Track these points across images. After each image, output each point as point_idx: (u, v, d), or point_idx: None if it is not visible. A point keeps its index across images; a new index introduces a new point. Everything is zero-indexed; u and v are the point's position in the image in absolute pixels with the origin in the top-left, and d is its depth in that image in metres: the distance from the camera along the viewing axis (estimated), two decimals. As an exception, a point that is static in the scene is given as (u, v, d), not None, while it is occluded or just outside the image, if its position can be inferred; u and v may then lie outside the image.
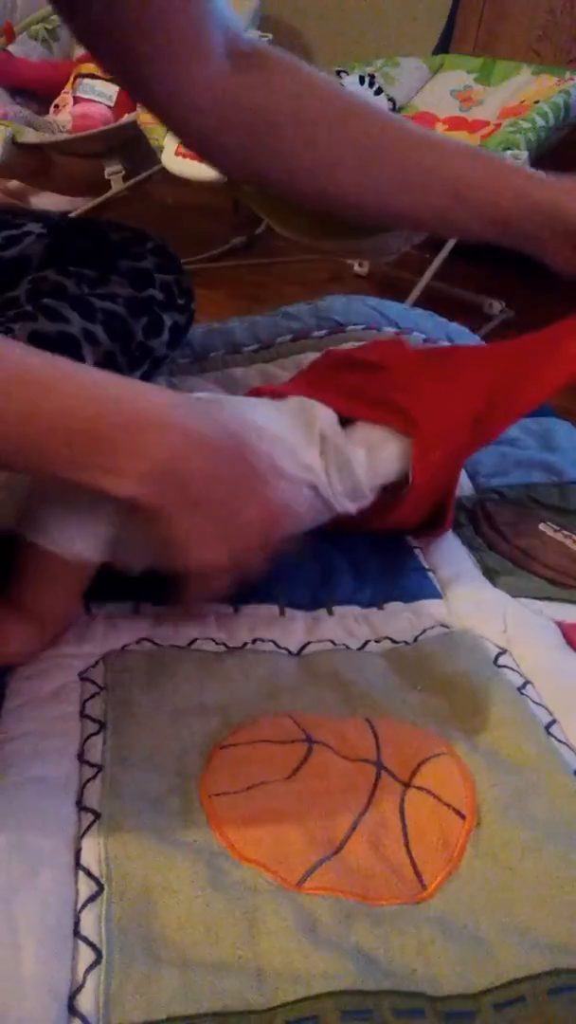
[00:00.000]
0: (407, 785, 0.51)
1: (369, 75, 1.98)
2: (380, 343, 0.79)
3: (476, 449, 0.76)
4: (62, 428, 0.48)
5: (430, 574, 0.71)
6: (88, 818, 0.48)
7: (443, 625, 0.65)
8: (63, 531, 0.56)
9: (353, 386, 0.69)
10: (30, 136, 1.95)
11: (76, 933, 0.43)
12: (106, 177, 2.01)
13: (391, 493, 0.68)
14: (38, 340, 0.70)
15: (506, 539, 0.75)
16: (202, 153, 0.75)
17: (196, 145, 0.74)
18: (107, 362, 0.74)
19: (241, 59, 0.69)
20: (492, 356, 0.74)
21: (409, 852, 0.48)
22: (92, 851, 0.46)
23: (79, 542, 0.57)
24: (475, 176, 0.69)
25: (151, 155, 1.58)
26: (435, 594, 0.68)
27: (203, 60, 0.67)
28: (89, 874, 0.45)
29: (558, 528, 0.77)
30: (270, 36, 2.07)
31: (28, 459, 0.50)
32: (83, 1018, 0.39)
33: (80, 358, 0.72)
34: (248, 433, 0.58)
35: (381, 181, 0.70)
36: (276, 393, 0.70)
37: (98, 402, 0.50)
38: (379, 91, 1.99)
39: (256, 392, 0.74)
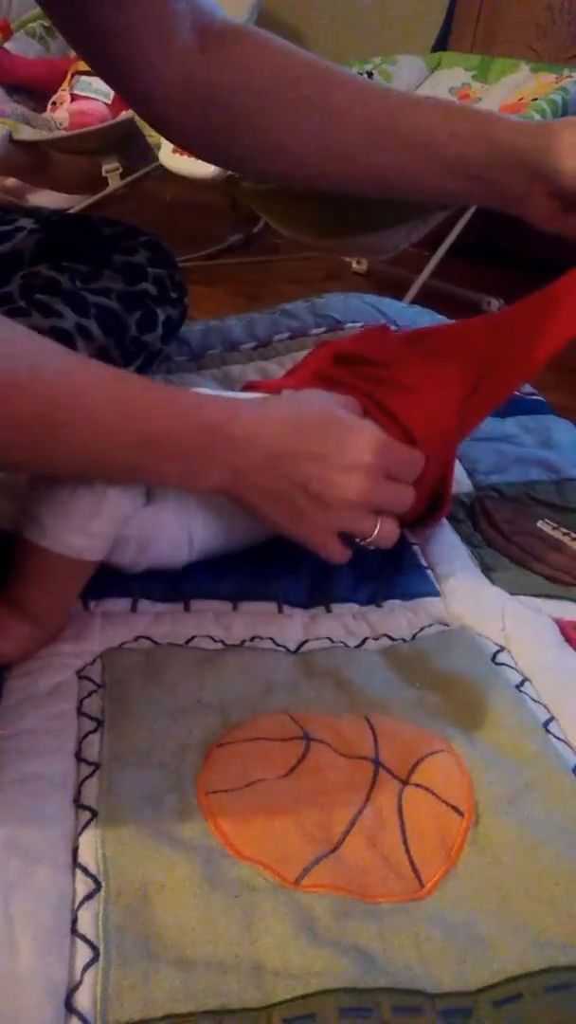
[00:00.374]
0: (405, 782, 0.51)
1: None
2: (367, 334, 0.79)
3: (474, 425, 0.76)
4: (171, 446, 0.53)
5: (428, 572, 0.71)
6: (85, 816, 0.48)
7: (441, 623, 0.65)
8: (64, 530, 0.56)
9: (342, 382, 0.68)
10: (27, 133, 1.95)
11: (73, 931, 0.43)
12: (103, 174, 2.01)
13: None
14: None
15: (504, 536, 0.75)
16: (168, 134, 0.74)
17: (162, 126, 0.73)
18: (101, 356, 0.74)
19: (211, 38, 0.69)
20: (481, 328, 0.73)
21: (407, 849, 0.48)
22: (89, 849, 0.46)
23: (79, 541, 0.57)
24: (445, 130, 0.67)
25: (149, 152, 1.58)
26: (433, 592, 0.68)
27: (168, 38, 0.67)
28: (86, 872, 0.45)
29: (556, 526, 0.77)
30: (268, 33, 2.07)
31: (136, 476, 0.56)
32: (81, 1016, 0.39)
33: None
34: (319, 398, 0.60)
35: (343, 144, 0.69)
36: (271, 388, 0.70)
37: (195, 417, 0.54)
38: (377, 89, 1.99)
39: (251, 387, 0.74)
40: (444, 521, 0.77)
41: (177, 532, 0.62)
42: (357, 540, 0.62)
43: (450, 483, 0.72)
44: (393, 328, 1.04)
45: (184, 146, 0.77)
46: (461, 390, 0.70)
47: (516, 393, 0.99)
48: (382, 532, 0.61)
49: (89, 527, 0.57)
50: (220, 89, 0.68)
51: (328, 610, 0.66)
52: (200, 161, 1.44)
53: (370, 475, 0.58)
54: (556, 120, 0.66)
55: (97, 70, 0.71)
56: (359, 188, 0.73)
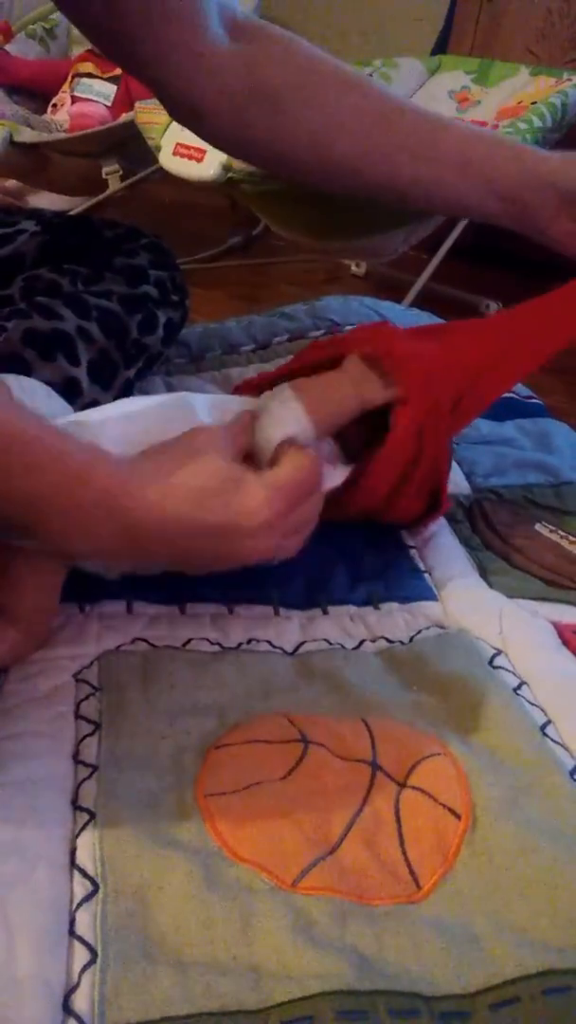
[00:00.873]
0: (402, 785, 0.51)
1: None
2: (366, 327, 0.79)
3: (467, 421, 0.75)
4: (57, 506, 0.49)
5: (426, 575, 0.71)
6: (83, 818, 0.48)
7: (439, 625, 0.65)
8: None
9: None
10: (27, 135, 1.95)
11: (71, 933, 0.43)
12: (103, 176, 2.02)
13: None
14: (32, 338, 0.70)
15: (502, 539, 0.76)
16: (198, 128, 0.74)
17: (199, 124, 0.73)
18: (102, 359, 0.74)
19: (238, 32, 0.69)
20: (484, 328, 0.73)
21: (404, 852, 0.48)
22: (87, 851, 0.46)
23: None
24: (479, 149, 0.68)
25: (149, 155, 1.58)
26: (431, 595, 0.68)
27: (198, 31, 0.67)
28: (84, 874, 0.45)
29: (554, 529, 0.77)
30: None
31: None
32: (78, 1018, 0.39)
33: (75, 355, 0.72)
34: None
35: (385, 149, 0.69)
36: (265, 380, 0.70)
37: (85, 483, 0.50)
38: (377, 91, 1.99)
39: (246, 384, 0.74)
40: (443, 523, 0.77)
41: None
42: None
43: (445, 480, 0.72)
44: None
45: (222, 144, 0.76)
46: (459, 379, 0.69)
47: (514, 396, 1.00)
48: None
49: None
50: (263, 84, 0.68)
51: (325, 612, 0.66)
52: (200, 164, 1.44)
53: (273, 530, 0.55)
54: (572, 153, 0.68)
55: (129, 70, 0.70)
56: (398, 197, 0.72)
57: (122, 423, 0.61)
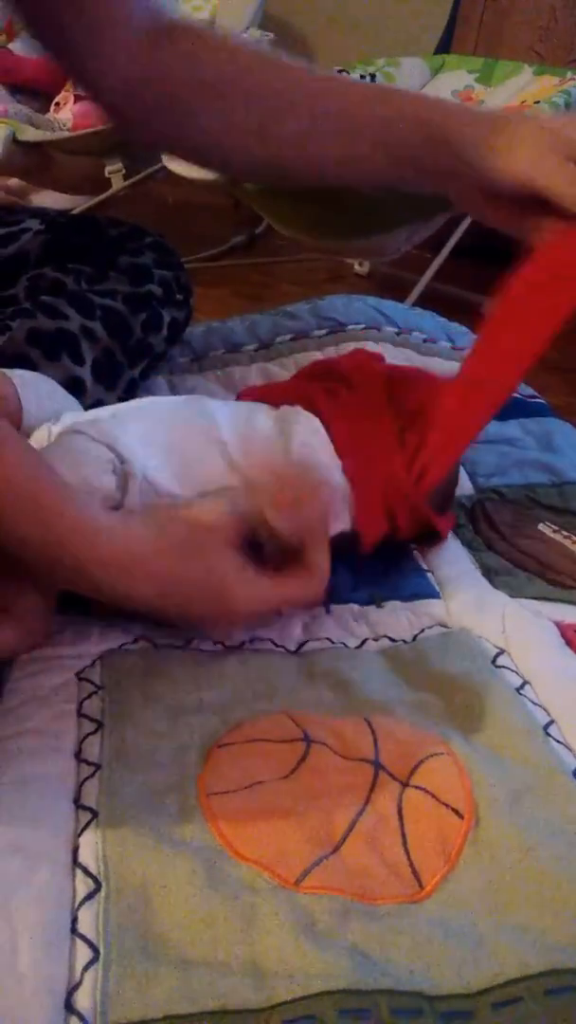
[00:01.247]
0: (405, 784, 0.51)
1: (370, 75, 1.98)
2: (355, 359, 0.79)
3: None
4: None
5: (428, 574, 0.71)
6: (86, 816, 0.48)
7: (442, 624, 0.65)
8: None
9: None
10: (31, 134, 1.95)
11: (74, 931, 0.43)
12: (106, 175, 2.02)
13: None
14: (37, 337, 0.70)
15: (505, 539, 0.75)
16: (115, 120, 0.74)
17: (110, 111, 0.73)
18: (106, 358, 0.74)
19: (163, 31, 0.69)
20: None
21: (407, 851, 0.48)
22: (90, 849, 0.46)
23: None
24: (383, 114, 0.66)
25: (152, 153, 1.58)
26: (434, 594, 0.68)
27: (122, 27, 0.67)
28: (87, 872, 0.45)
29: (557, 528, 0.77)
30: (271, 35, 2.08)
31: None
32: (80, 1016, 0.39)
33: (79, 355, 0.72)
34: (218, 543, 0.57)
35: (286, 135, 0.69)
36: (265, 393, 0.71)
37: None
38: (380, 91, 1.99)
39: (247, 392, 0.74)
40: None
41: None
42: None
43: (435, 520, 0.71)
44: (393, 330, 1.04)
45: (130, 134, 0.76)
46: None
47: (518, 395, 1.00)
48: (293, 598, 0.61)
49: None
50: (168, 78, 0.68)
51: (328, 611, 0.66)
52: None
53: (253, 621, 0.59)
54: (506, 117, 0.64)
55: (54, 57, 0.70)
56: (300, 177, 0.72)
57: (144, 422, 0.61)
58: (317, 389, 0.71)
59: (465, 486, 0.82)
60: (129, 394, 0.77)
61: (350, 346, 0.95)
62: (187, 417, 0.65)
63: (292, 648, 0.62)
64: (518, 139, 0.60)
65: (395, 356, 0.98)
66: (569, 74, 1.83)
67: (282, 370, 0.95)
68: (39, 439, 0.63)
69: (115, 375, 0.73)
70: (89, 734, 0.53)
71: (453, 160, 0.63)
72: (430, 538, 0.73)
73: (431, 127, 0.63)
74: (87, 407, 0.66)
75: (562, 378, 1.65)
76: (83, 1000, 0.40)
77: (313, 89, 0.69)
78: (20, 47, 2.19)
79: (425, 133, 0.64)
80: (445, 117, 0.64)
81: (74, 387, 0.70)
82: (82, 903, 0.44)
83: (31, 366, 0.70)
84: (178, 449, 0.63)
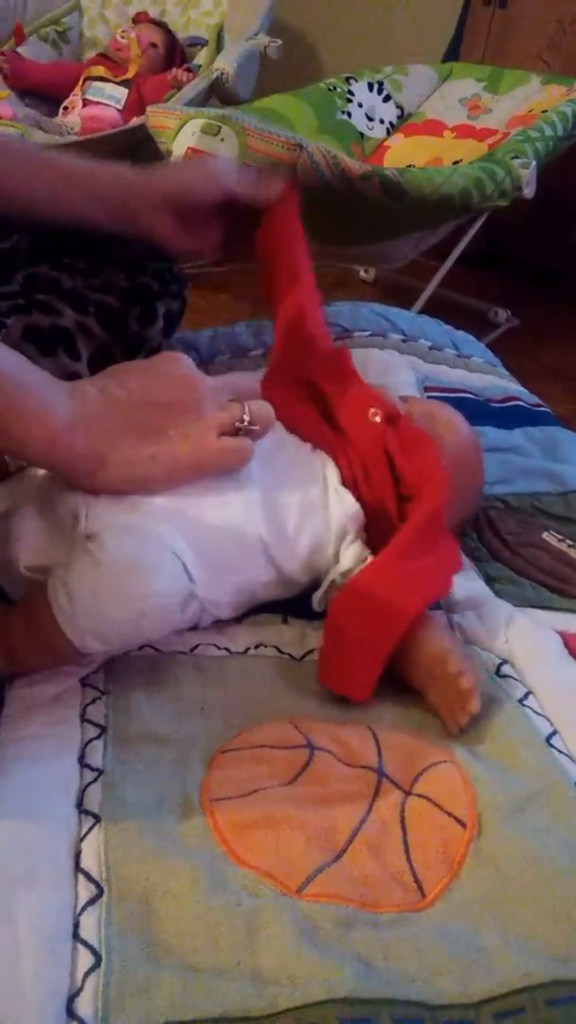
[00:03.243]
0: (408, 793, 0.51)
1: (378, 82, 1.99)
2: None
3: None
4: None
5: (433, 582, 0.70)
6: (89, 821, 0.48)
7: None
8: (89, 633, 0.54)
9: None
10: (39, 138, 1.95)
11: (75, 936, 0.43)
12: (114, 180, 2.02)
13: None
14: (33, 334, 0.71)
15: (509, 548, 0.75)
16: None
17: None
18: (103, 352, 0.75)
19: None
20: None
21: (409, 860, 0.48)
22: (92, 854, 0.46)
23: (96, 646, 0.55)
24: (81, 170, 0.77)
25: (160, 159, 1.59)
26: (436, 604, 0.68)
27: None
28: (89, 877, 0.45)
29: (562, 538, 0.77)
30: (279, 42, 2.08)
31: None
32: (82, 1022, 0.39)
33: (75, 350, 0.73)
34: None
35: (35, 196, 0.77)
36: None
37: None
38: (387, 98, 2.00)
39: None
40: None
41: (182, 627, 0.62)
42: (240, 427, 0.59)
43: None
44: (399, 337, 1.04)
45: None
46: None
47: (523, 404, 1.00)
48: (253, 409, 0.59)
49: (112, 639, 0.55)
50: None
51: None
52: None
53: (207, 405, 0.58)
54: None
55: None
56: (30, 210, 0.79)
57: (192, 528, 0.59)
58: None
59: (470, 494, 0.82)
60: None
61: (357, 352, 0.95)
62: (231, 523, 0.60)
63: (297, 655, 0.62)
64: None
65: (400, 363, 0.98)
66: (576, 83, 1.83)
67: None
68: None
69: None
70: (92, 739, 0.54)
71: (141, 197, 0.76)
72: None
73: (121, 177, 0.77)
74: None
75: (568, 387, 1.65)
76: (84, 1006, 0.40)
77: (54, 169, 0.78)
78: (29, 51, 2.20)
79: (118, 182, 0.77)
80: (131, 170, 0.76)
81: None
82: (84, 908, 0.44)
83: None
84: (232, 564, 0.60)
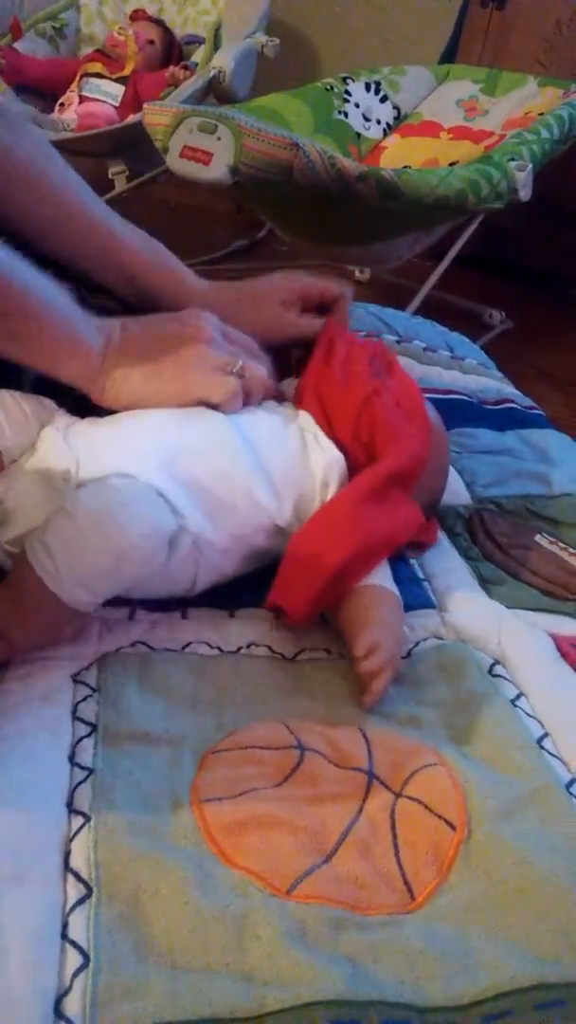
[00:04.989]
0: (398, 795, 0.51)
1: (375, 82, 1.99)
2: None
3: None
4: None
5: (426, 584, 0.71)
6: (78, 821, 0.48)
7: (437, 637, 0.65)
8: (73, 582, 0.54)
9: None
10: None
11: (64, 936, 0.43)
12: (110, 177, 2.02)
13: None
14: None
15: (502, 549, 0.76)
16: None
17: None
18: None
19: None
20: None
21: (399, 862, 0.48)
22: (81, 854, 0.46)
23: (84, 596, 0.55)
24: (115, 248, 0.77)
25: (155, 156, 1.58)
26: (430, 604, 0.68)
27: None
28: (78, 877, 0.45)
29: (554, 540, 0.77)
30: (277, 41, 2.08)
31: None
32: (69, 1022, 0.39)
33: None
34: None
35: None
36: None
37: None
38: (384, 99, 2.00)
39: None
40: (442, 533, 0.77)
41: (181, 577, 0.62)
42: (231, 371, 0.65)
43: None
44: (394, 338, 1.04)
45: None
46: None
47: (516, 406, 1.00)
48: (249, 364, 0.66)
49: (98, 587, 0.56)
50: None
51: (326, 621, 0.65)
52: (206, 166, 1.44)
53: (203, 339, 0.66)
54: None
55: None
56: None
57: (186, 466, 0.61)
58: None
59: (463, 495, 0.83)
60: None
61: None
62: (224, 458, 0.63)
63: (289, 655, 0.62)
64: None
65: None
66: (573, 86, 1.83)
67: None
68: (50, 440, 0.62)
69: None
70: (83, 737, 0.53)
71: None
72: (420, 544, 0.73)
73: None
74: (74, 405, 0.66)
75: (561, 391, 1.66)
76: (72, 1006, 0.40)
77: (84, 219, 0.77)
78: (25, 46, 2.20)
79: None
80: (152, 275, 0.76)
81: (62, 385, 0.70)
82: (73, 908, 0.44)
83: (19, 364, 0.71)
84: (225, 505, 0.62)
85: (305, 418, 0.69)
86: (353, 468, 0.67)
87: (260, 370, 0.68)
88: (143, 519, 0.56)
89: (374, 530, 0.63)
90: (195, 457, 0.62)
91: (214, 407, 0.65)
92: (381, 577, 0.64)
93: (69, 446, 0.62)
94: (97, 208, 0.78)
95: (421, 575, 0.72)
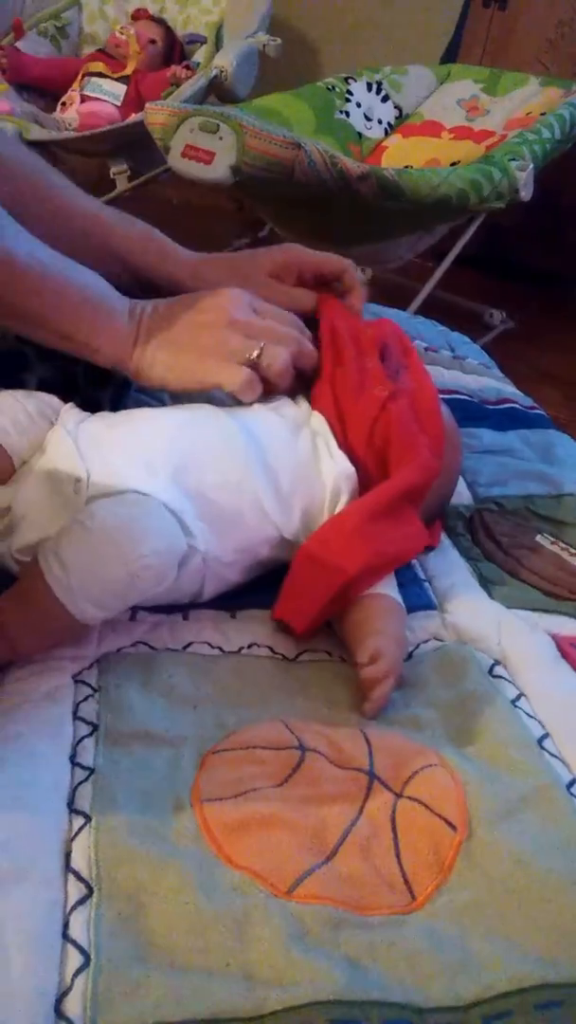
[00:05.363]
0: (399, 795, 0.51)
1: (377, 82, 1.99)
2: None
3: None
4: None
5: (426, 584, 0.71)
6: (79, 821, 0.48)
7: (438, 638, 0.65)
8: (84, 597, 0.54)
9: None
10: (36, 133, 1.95)
11: (65, 936, 0.43)
12: (112, 176, 2.02)
13: None
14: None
15: (503, 550, 0.76)
16: None
17: None
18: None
19: None
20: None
21: (399, 862, 0.48)
22: (82, 854, 0.46)
23: (94, 612, 0.56)
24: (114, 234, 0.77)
25: (157, 155, 1.59)
26: (431, 604, 0.68)
27: None
28: (79, 877, 0.45)
29: (555, 540, 0.77)
30: (279, 40, 2.08)
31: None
32: (69, 1022, 0.39)
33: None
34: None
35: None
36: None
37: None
38: (386, 98, 2.00)
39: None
40: (443, 533, 0.77)
41: (188, 589, 0.62)
42: (249, 359, 0.65)
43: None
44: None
45: None
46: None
47: (518, 406, 1.00)
48: (267, 350, 0.66)
49: (109, 603, 0.56)
50: None
51: (328, 623, 0.65)
52: (208, 166, 1.44)
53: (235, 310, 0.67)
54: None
55: None
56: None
57: (194, 473, 0.61)
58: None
59: (464, 495, 0.83)
60: (121, 392, 0.77)
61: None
62: (234, 473, 0.62)
63: (290, 656, 0.62)
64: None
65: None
66: (574, 86, 1.83)
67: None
68: (59, 442, 0.62)
69: (108, 373, 0.74)
70: (84, 737, 0.53)
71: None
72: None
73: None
74: (80, 405, 0.66)
75: (563, 391, 1.66)
76: (73, 1006, 0.40)
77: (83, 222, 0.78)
78: (27, 46, 2.20)
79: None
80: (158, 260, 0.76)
81: (68, 385, 0.70)
82: (74, 908, 0.44)
83: (25, 362, 0.70)
84: (233, 516, 0.62)
85: (319, 422, 0.68)
86: (363, 473, 0.67)
87: (281, 356, 0.67)
88: (158, 538, 0.56)
89: (383, 549, 0.63)
90: (204, 466, 0.62)
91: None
92: (385, 586, 0.64)
93: (79, 451, 0.61)
94: (70, 191, 0.78)
95: (422, 576, 0.71)
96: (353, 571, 0.61)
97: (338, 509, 0.65)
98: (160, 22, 2.28)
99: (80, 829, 0.47)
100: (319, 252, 0.78)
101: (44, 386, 0.67)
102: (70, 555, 0.54)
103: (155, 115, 1.52)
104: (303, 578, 0.62)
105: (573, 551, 0.76)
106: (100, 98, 2.13)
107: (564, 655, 0.63)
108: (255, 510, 0.62)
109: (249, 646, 0.62)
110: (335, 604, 0.62)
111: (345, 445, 0.67)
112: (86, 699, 0.56)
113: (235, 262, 0.77)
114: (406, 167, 1.68)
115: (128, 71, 2.18)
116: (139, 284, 0.74)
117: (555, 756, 0.55)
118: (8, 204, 0.67)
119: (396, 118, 2.00)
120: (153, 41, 2.21)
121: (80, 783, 0.50)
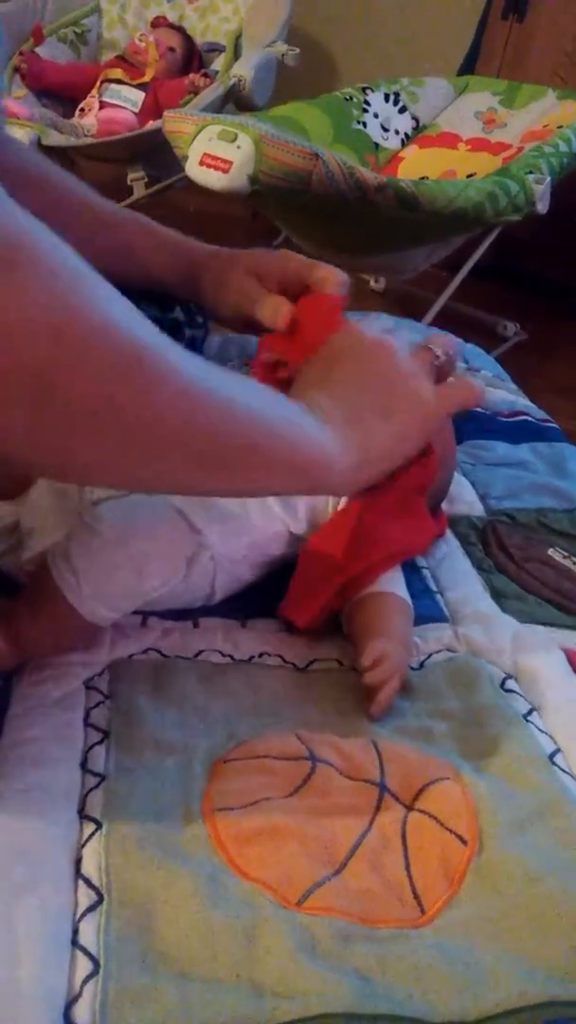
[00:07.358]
0: (409, 808, 0.51)
1: (394, 93, 1.99)
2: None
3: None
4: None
5: (438, 596, 0.70)
6: (90, 827, 0.48)
7: (450, 650, 0.65)
8: (95, 599, 0.55)
9: None
10: (55, 139, 1.96)
11: (74, 943, 0.43)
12: (129, 183, 2.03)
13: None
14: None
15: (515, 563, 0.75)
16: None
17: None
18: None
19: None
20: None
21: (409, 876, 0.48)
22: (93, 861, 0.46)
23: (104, 612, 0.56)
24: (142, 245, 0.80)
25: (174, 163, 1.59)
26: (442, 617, 0.68)
27: None
28: (89, 884, 0.45)
29: (567, 554, 0.77)
30: (297, 50, 2.09)
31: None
32: (78, 1029, 0.39)
33: None
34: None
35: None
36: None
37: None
38: (403, 109, 2.00)
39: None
40: (455, 544, 0.77)
41: (200, 588, 0.63)
42: (437, 364, 0.60)
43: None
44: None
45: None
46: None
47: (530, 419, 1.00)
48: (439, 342, 0.61)
49: (119, 603, 0.57)
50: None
51: (338, 628, 0.65)
52: (226, 174, 1.45)
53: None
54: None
55: None
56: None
57: None
58: None
59: (476, 507, 0.83)
60: None
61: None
62: None
63: (300, 665, 0.62)
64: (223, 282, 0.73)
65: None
66: (592, 99, 1.83)
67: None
68: None
69: None
70: (95, 744, 0.54)
71: (191, 269, 0.78)
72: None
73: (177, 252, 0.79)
74: None
75: (575, 403, 1.65)
76: (82, 1013, 0.40)
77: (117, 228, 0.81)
78: (47, 52, 2.21)
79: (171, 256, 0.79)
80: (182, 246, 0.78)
81: None
82: (84, 915, 0.44)
83: None
84: (240, 514, 0.62)
85: None
86: None
87: (444, 338, 0.62)
88: (165, 537, 0.57)
89: (388, 542, 0.64)
90: None
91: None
92: (393, 583, 0.64)
93: None
94: (99, 200, 0.79)
95: (434, 588, 0.71)
96: (362, 568, 0.61)
97: (342, 505, 0.65)
98: (179, 30, 2.29)
99: (91, 836, 0.48)
100: (306, 260, 0.73)
101: None
102: (78, 557, 0.55)
103: (174, 123, 1.52)
104: (310, 578, 0.63)
105: (586, 566, 0.76)
106: (119, 105, 2.14)
107: (575, 669, 0.63)
108: (260, 508, 0.63)
109: (260, 655, 0.62)
110: (339, 599, 0.62)
111: None
112: (97, 705, 0.56)
113: (230, 258, 0.78)
114: (422, 178, 1.69)
115: (147, 78, 2.18)
116: (150, 284, 0.75)
117: (566, 771, 0.55)
118: (43, 215, 0.68)
119: (413, 129, 2.01)
120: (172, 49, 2.22)
121: (91, 789, 0.50)
